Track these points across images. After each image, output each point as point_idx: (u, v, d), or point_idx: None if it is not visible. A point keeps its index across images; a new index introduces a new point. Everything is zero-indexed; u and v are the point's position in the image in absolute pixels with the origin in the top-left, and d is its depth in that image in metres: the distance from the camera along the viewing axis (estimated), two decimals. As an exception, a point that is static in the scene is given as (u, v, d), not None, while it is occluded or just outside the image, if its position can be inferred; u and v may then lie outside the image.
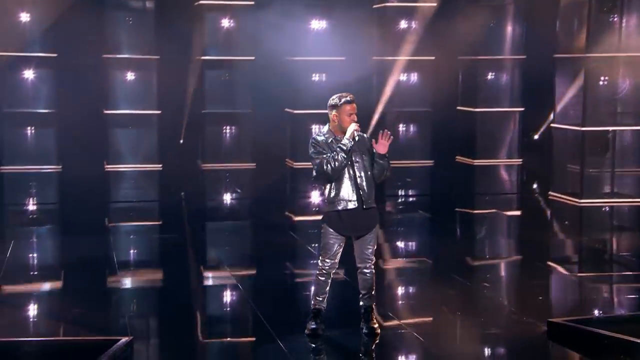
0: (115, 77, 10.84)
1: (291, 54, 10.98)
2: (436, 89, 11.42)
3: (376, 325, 4.80)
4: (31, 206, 10.27)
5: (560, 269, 7.31)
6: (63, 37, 10.39)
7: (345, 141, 4.60)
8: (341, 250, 4.76)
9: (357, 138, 4.65)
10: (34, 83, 10.52)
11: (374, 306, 4.90)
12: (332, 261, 4.80)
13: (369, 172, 4.67)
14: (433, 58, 11.36)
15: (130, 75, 10.84)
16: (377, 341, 4.71)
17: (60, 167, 10.54)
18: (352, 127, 4.65)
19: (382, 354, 4.81)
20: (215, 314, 6.01)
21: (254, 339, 5.20)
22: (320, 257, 4.88)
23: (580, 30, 10.13)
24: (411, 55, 11.07)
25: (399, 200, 11.22)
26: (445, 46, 11.12)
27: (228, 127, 11.32)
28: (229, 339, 5.33)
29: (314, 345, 4.70)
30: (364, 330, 4.81)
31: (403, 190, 11.36)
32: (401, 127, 11.61)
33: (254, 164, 11.12)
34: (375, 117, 10.99)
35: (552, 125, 10.83)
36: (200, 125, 11.23)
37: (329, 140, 4.68)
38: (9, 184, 10.33)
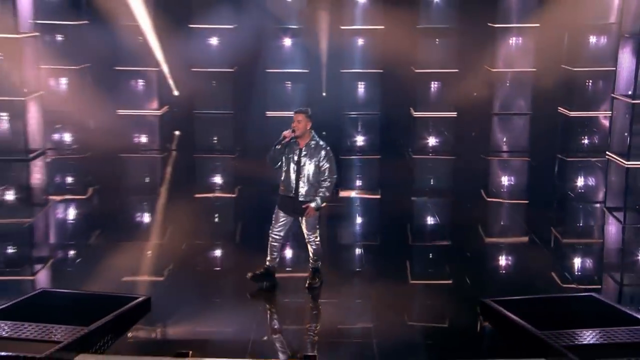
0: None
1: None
2: None
3: (315, 281, 6.67)
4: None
5: None
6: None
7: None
8: (286, 225, 6.28)
9: (283, 142, 6.31)
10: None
11: (319, 268, 6.70)
12: (277, 231, 6.59)
13: (311, 177, 6.02)
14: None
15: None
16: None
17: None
18: (283, 133, 6.31)
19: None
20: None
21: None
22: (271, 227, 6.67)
23: None
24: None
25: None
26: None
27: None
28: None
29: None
30: (306, 285, 6.70)
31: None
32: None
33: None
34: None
35: None
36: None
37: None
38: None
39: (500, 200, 10.61)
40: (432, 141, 13.70)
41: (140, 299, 5.03)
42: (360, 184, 11.78)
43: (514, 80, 14.35)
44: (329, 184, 6.49)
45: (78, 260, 8.01)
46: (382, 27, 14.12)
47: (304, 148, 6.39)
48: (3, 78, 10.85)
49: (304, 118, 6.37)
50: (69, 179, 11.13)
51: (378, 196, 10.87)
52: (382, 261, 8.15)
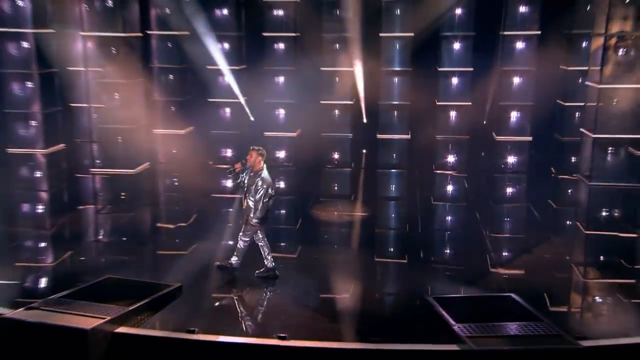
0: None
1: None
2: None
3: (261, 271, 8.57)
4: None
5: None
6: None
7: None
8: (250, 232, 8.51)
9: (236, 169, 8.38)
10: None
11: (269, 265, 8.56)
12: (243, 236, 8.57)
13: (251, 197, 8.22)
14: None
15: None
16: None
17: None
18: (235, 165, 8.38)
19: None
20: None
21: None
22: None
23: None
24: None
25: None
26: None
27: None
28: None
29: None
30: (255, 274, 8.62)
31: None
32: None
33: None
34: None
35: None
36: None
37: None
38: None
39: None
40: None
41: (173, 286, 6.74)
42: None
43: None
44: (258, 207, 8.22)
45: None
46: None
47: (252, 175, 8.29)
48: (119, 112, 12.97)
49: (255, 154, 8.27)
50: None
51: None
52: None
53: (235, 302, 8.35)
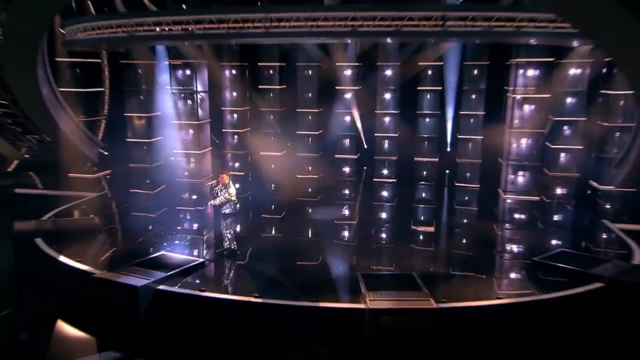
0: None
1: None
2: None
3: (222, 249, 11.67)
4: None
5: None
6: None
7: None
8: (228, 224, 11.86)
9: (213, 186, 11.84)
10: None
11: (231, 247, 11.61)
12: (224, 227, 11.91)
13: (220, 199, 11.60)
14: None
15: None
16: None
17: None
18: (212, 182, 12.14)
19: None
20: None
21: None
22: None
23: None
24: None
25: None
26: None
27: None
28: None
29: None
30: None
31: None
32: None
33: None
34: None
35: None
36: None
37: None
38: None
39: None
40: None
41: (199, 261, 10.17)
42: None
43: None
44: (221, 198, 11.68)
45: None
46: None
47: (222, 187, 11.73)
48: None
49: (224, 176, 11.78)
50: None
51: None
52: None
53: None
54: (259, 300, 8.61)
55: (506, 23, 11.93)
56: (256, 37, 12.99)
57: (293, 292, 9.43)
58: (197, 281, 9.97)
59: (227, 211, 11.61)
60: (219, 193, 11.56)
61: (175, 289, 9.20)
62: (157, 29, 13.23)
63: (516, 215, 14.44)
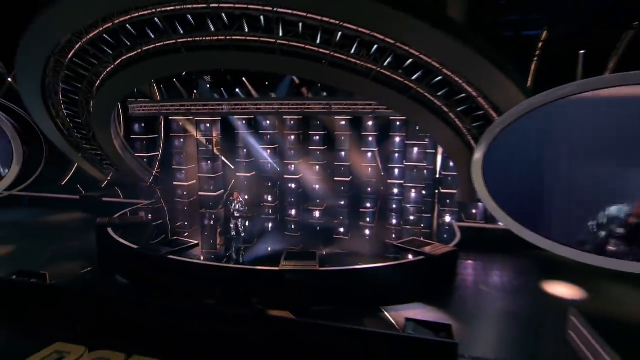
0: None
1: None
2: None
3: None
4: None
5: None
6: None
7: None
8: (237, 224, 19.83)
9: (232, 199, 19.65)
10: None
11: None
12: (233, 226, 19.86)
13: (237, 207, 19.13)
14: None
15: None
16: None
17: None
18: (235, 194, 20.05)
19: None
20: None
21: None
22: None
23: None
24: None
25: None
26: None
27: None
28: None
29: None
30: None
31: None
32: None
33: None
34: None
35: None
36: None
37: None
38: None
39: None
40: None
41: (193, 243, 17.81)
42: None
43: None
44: (234, 206, 19.21)
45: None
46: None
47: (234, 200, 19.27)
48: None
49: (235, 194, 19.58)
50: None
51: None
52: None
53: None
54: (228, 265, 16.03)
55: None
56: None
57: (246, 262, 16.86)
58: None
59: (237, 214, 19.21)
60: (234, 203, 19.16)
61: (175, 257, 16.80)
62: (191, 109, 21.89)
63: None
